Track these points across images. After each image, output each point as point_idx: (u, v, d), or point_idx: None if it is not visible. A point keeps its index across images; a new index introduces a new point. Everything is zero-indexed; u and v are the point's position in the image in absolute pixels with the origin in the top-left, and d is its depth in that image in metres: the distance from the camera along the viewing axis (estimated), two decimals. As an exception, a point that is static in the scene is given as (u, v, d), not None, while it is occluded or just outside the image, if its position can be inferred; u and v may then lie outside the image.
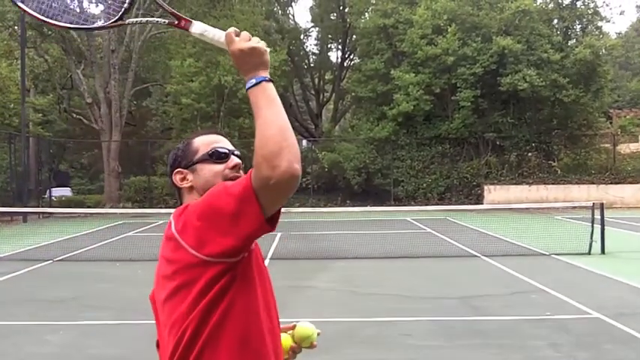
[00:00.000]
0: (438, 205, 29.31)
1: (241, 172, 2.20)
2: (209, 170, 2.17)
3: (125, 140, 37.22)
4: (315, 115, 46.60)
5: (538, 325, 8.36)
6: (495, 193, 31.53)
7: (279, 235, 19.07)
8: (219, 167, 2.17)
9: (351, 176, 32.64)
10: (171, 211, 2.19)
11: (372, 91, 33.96)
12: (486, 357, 7.06)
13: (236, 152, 2.24)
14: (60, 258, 15.18)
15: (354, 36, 40.75)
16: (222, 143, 2.23)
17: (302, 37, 47.76)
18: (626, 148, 36.50)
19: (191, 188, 2.19)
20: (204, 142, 2.22)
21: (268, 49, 2.02)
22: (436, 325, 8.49)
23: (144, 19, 2.47)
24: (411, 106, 31.59)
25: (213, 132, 2.28)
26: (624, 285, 11.13)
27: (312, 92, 47.53)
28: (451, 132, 32.80)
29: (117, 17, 2.31)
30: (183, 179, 2.20)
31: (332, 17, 44.60)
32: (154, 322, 2.19)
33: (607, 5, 59.06)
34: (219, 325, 1.92)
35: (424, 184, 32.83)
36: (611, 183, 31.44)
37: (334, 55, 49.92)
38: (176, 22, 2.21)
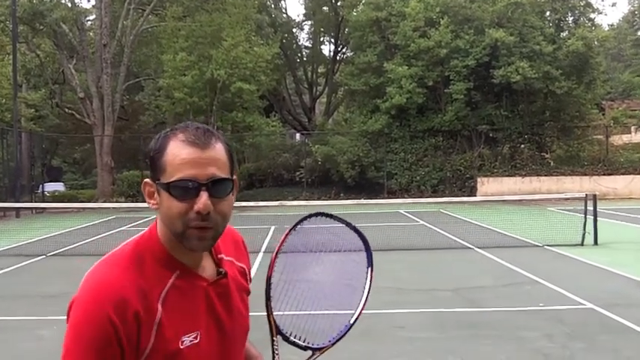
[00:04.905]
0: (431, 197, 29.30)
1: (230, 196, 1.63)
2: (169, 206, 1.58)
3: (118, 135, 37.15)
4: (308, 109, 46.59)
5: (531, 316, 8.39)
6: (488, 185, 31.58)
7: (272, 228, 19.09)
8: (179, 207, 1.56)
9: (344, 169, 32.62)
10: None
11: (365, 84, 33.93)
12: (480, 348, 7.08)
13: (217, 178, 1.58)
14: (53, 253, 15.15)
15: (347, 29, 40.70)
16: (196, 168, 1.56)
17: (295, 30, 47.76)
18: (618, 139, 36.61)
19: (159, 215, 1.65)
20: (174, 161, 1.57)
21: None
22: (430, 316, 8.50)
23: None
24: (404, 99, 31.59)
25: (200, 133, 1.59)
26: (617, 276, 11.18)
27: (305, 85, 47.52)
28: (444, 124, 32.82)
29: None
30: (152, 196, 1.66)
31: (324, 10, 44.54)
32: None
33: (599, -3, 59.15)
34: None
35: (417, 177, 32.87)
36: (604, 174, 31.52)
37: (327, 49, 50.10)
38: None
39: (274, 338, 1.85)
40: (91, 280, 1.59)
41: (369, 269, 2.04)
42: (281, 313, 1.91)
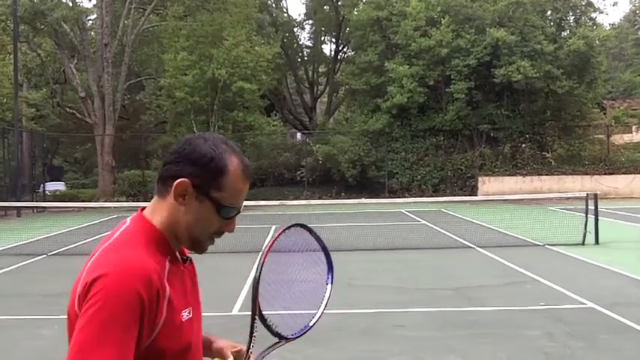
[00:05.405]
0: (432, 196, 29.31)
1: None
2: (206, 218, 1.76)
3: (119, 134, 37.15)
4: (309, 108, 46.58)
5: (532, 315, 8.39)
6: (489, 185, 31.58)
7: (273, 227, 19.07)
8: (218, 223, 1.78)
9: (345, 169, 32.63)
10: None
11: (366, 84, 33.93)
12: (480, 347, 7.08)
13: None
14: (54, 252, 15.16)
15: (348, 28, 40.69)
16: (243, 200, 1.82)
17: (296, 29, 47.73)
18: (619, 138, 36.58)
19: (176, 212, 1.76)
20: (235, 188, 1.76)
21: None
22: (431, 315, 8.51)
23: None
24: (405, 99, 31.58)
25: (248, 174, 1.81)
26: (618, 275, 11.18)
27: (306, 85, 47.48)
28: (445, 124, 32.81)
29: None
30: (181, 195, 1.74)
31: (325, 10, 44.53)
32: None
33: (600, -4, 59.18)
34: None
35: (418, 176, 32.86)
36: (605, 174, 31.50)
37: (328, 48, 50.02)
38: None
39: (255, 317, 2.01)
40: (119, 258, 1.65)
41: (329, 285, 2.29)
42: (272, 312, 2.11)
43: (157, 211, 1.78)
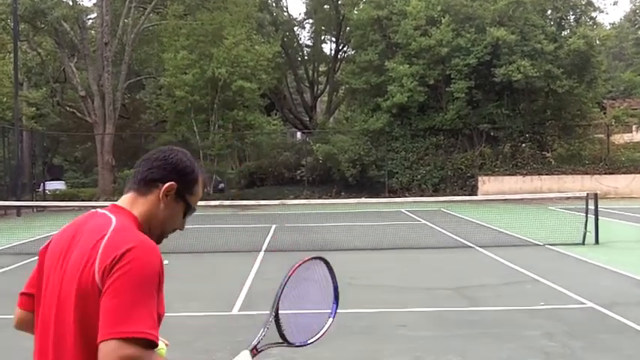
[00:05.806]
0: (432, 196, 29.29)
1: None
2: (176, 216, 2.13)
3: (119, 133, 37.14)
4: (309, 107, 46.57)
5: (532, 315, 8.40)
6: (489, 184, 31.57)
7: (273, 227, 19.06)
8: (181, 221, 2.16)
9: (345, 168, 32.60)
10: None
11: (366, 83, 33.89)
12: (481, 347, 7.08)
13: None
14: (54, 251, 15.12)
15: (348, 27, 40.67)
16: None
17: (296, 28, 47.73)
18: (619, 138, 36.56)
19: (155, 208, 2.08)
20: (198, 194, 2.17)
21: None
22: (431, 315, 8.51)
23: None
24: (405, 98, 31.55)
25: (205, 185, 2.23)
26: (618, 275, 11.18)
27: (307, 84, 47.48)
28: (445, 123, 32.78)
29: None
30: (166, 195, 2.07)
31: (326, 9, 44.52)
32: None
33: (600, -4, 59.14)
34: None
35: (418, 176, 32.84)
36: (605, 173, 31.50)
37: (328, 47, 49.94)
38: None
39: (272, 313, 2.26)
40: (141, 237, 1.92)
41: (331, 319, 2.49)
42: (283, 311, 2.32)
43: (135, 205, 2.08)
